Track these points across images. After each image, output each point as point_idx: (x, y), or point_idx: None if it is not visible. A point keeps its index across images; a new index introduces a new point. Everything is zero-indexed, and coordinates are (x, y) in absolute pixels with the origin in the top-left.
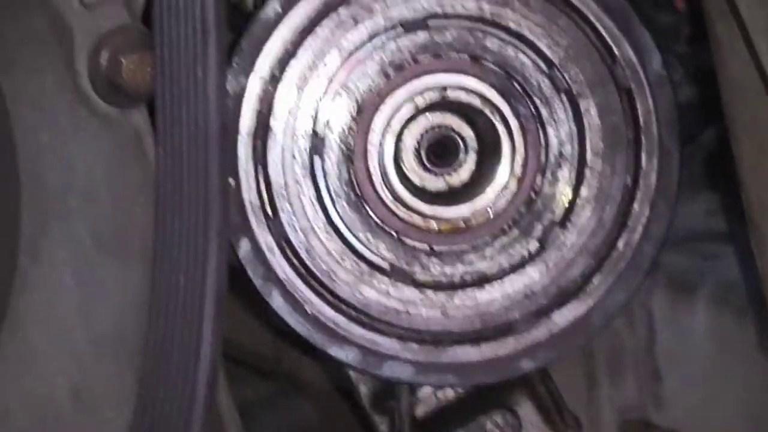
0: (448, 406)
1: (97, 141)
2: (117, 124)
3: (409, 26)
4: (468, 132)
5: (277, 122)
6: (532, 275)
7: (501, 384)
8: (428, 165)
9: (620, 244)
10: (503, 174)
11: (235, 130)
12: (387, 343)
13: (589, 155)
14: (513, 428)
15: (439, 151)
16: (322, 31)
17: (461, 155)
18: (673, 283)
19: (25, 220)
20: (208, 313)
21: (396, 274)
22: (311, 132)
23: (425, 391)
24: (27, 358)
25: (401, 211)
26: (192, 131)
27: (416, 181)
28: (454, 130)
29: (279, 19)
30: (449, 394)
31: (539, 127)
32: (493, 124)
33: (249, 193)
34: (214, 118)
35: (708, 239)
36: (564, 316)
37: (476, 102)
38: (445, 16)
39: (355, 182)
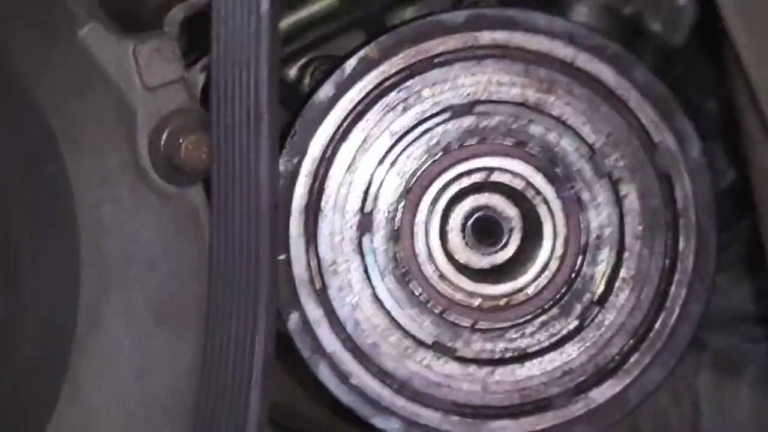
0: None
1: (156, 216)
2: (175, 200)
3: (456, 112)
4: (511, 213)
5: (327, 201)
6: (571, 353)
7: None
8: (472, 244)
9: (657, 324)
10: (544, 254)
11: (288, 208)
12: (429, 415)
13: (628, 238)
14: None
15: (484, 230)
16: (373, 115)
17: (505, 235)
18: (719, 363)
19: (86, 287)
20: (255, 381)
21: (439, 349)
22: (360, 210)
23: None
24: (85, 419)
25: (445, 289)
26: (245, 209)
27: (461, 259)
28: (498, 211)
29: (332, 103)
30: None
31: (580, 210)
32: (536, 207)
33: (299, 268)
34: (265, 198)
35: (754, 322)
36: (601, 393)
37: (520, 185)
38: (491, 102)
39: (401, 260)
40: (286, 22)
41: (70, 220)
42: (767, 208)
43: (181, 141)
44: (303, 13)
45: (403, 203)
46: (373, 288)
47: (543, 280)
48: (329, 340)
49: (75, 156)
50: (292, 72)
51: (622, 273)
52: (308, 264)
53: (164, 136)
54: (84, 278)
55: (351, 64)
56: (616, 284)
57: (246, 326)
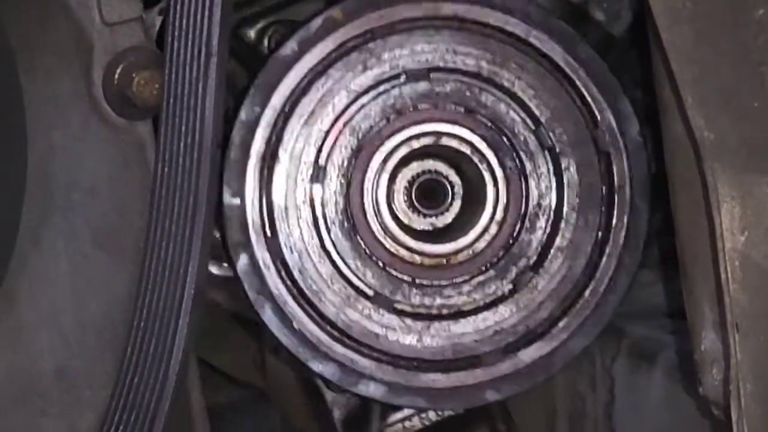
0: None
1: (104, 146)
2: (123, 132)
3: (412, 76)
4: (456, 179)
5: (284, 151)
6: (504, 313)
7: (464, 420)
8: (417, 206)
9: (587, 293)
10: (485, 219)
11: (246, 154)
12: (364, 363)
13: (565, 209)
14: None
15: (428, 194)
16: (333, 72)
17: (448, 199)
18: (636, 351)
19: (30, 208)
20: (185, 309)
21: (379, 300)
22: (314, 163)
23: (395, 418)
24: (17, 335)
25: (389, 244)
26: (188, 144)
27: (405, 219)
28: (443, 176)
29: (295, 59)
30: (415, 424)
31: (522, 179)
32: (480, 173)
33: (252, 213)
34: (209, 132)
35: (673, 316)
36: (529, 354)
37: (467, 151)
38: (446, 70)
39: (349, 213)
40: None
41: (20, 140)
42: (675, 173)
43: (134, 76)
44: None
45: (355, 160)
46: (320, 237)
47: (482, 243)
48: (275, 284)
49: (31, 78)
50: (252, 33)
51: (557, 242)
52: (261, 209)
53: (118, 71)
54: (28, 198)
55: (316, 23)
56: (551, 252)
57: (181, 257)
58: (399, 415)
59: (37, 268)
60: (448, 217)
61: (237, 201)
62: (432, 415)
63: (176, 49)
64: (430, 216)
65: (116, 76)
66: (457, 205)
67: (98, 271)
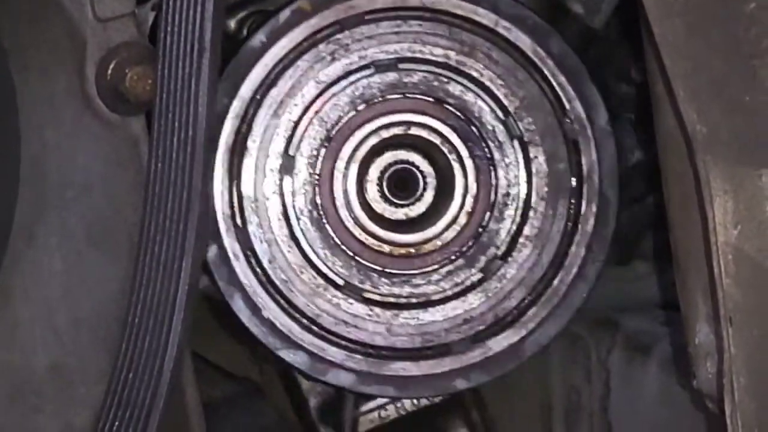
0: (388, 426)
1: (98, 143)
2: (117, 129)
3: (381, 67)
4: (428, 168)
5: (253, 142)
6: (473, 302)
7: (438, 409)
8: (389, 196)
9: (556, 281)
10: (454, 208)
11: (215, 146)
12: (334, 352)
13: (534, 198)
14: None
15: (400, 183)
16: (302, 63)
17: (419, 190)
18: (631, 343)
19: (23, 206)
20: (180, 304)
21: (348, 289)
22: (283, 153)
23: (369, 407)
24: (12, 332)
25: (359, 233)
26: (182, 139)
27: (376, 209)
28: (415, 166)
29: (264, 50)
30: (391, 414)
31: (491, 168)
32: (450, 163)
33: (222, 203)
34: (201, 128)
35: (668, 308)
36: (499, 343)
37: (436, 141)
38: (414, 60)
39: (319, 203)
40: None
41: (13, 138)
42: (667, 166)
43: (127, 71)
44: None
45: (324, 150)
46: (290, 227)
47: (451, 233)
48: (245, 274)
49: (23, 77)
50: (232, 24)
51: (526, 231)
52: (230, 200)
53: (111, 66)
54: (21, 196)
55: (285, 14)
56: (520, 241)
57: (174, 252)
58: (373, 404)
59: (31, 266)
60: (421, 207)
61: (206, 191)
62: (407, 404)
63: (169, 44)
64: (403, 206)
65: (109, 71)
66: (429, 195)
67: (92, 268)
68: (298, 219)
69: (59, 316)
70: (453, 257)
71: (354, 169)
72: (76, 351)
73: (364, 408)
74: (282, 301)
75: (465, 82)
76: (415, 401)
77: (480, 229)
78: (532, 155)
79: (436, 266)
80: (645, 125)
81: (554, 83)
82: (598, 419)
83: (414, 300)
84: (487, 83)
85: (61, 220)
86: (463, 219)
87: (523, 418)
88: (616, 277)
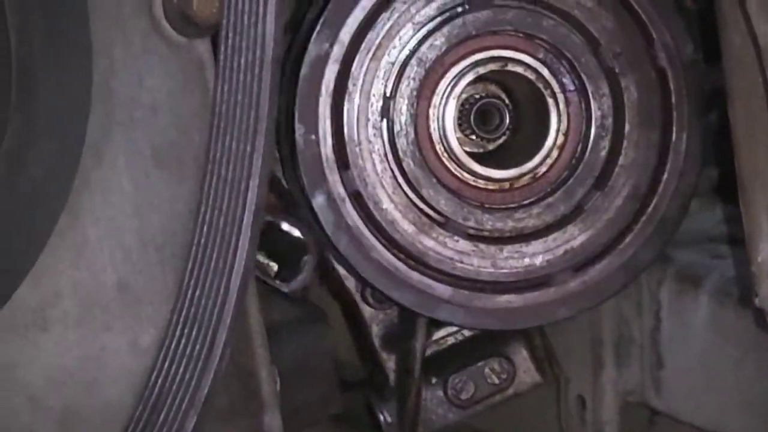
0: (450, 351)
1: (164, 64)
2: (183, 51)
3: (475, 4)
4: (520, 102)
5: (354, 85)
6: (572, 233)
7: (501, 333)
8: (484, 132)
9: (650, 208)
10: (549, 142)
11: (318, 91)
12: (441, 289)
13: (626, 128)
14: (508, 374)
15: (494, 119)
16: (398, 5)
17: (514, 124)
18: (682, 276)
19: (92, 125)
20: (246, 225)
21: (452, 227)
22: (383, 95)
23: (440, 335)
24: (81, 249)
25: (458, 171)
26: (249, 61)
27: (474, 145)
28: (507, 101)
29: None
30: (452, 339)
31: (584, 101)
32: (543, 96)
33: (325, 149)
34: (269, 48)
35: (719, 242)
36: (598, 271)
37: (531, 76)
38: None
39: (419, 143)
40: None
41: (86, 56)
42: (733, 84)
43: None
44: None
45: (422, 89)
46: (392, 168)
47: (547, 166)
48: (351, 217)
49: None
50: None
51: (621, 161)
52: (334, 144)
53: None
54: (91, 115)
55: None
56: (615, 171)
57: (242, 174)
58: (443, 332)
59: (100, 185)
60: (513, 141)
61: (312, 137)
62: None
63: None
64: (496, 140)
65: None
66: (525, 129)
67: (159, 189)
68: (400, 159)
69: (127, 236)
70: (550, 189)
71: (451, 105)
72: (144, 270)
73: (435, 336)
74: (388, 242)
75: (556, 17)
76: None
77: (575, 161)
78: (623, 85)
79: (535, 199)
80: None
81: (642, 14)
82: (648, 351)
83: (516, 233)
84: (578, 16)
85: (128, 141)
86: (557, 152)
87: (574, 351)
88: None
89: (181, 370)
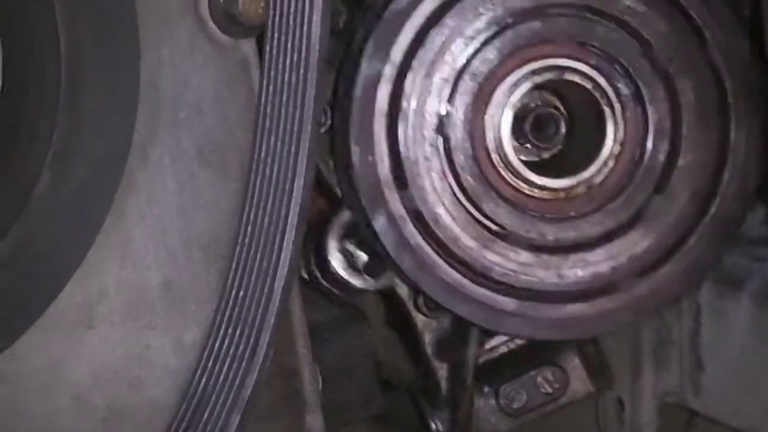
0: (502, 360)
1: (210, 64)
2: (228, 51)
3: (525, 15)
4: (576, 111)
5: (408, 104)
6: (635, 238)
7: (553, 343)
8: (540, 140)
9: (712, 209)
10: (606, 149)
11: (372, 111)
12: (506, 302)
13: (684, 130)
14: (561, 383)
15: (550, 128)
16: (449, 21)
17: (569, 133)
18: (722, 279)
19: (139, 124)
20: (291, 225)
21: (514, 239)
22: (437, 112)
23: (492, 344)
24: (126, 248)
25: (516, 183)
26: (294, 61)
27: (530, 156)
28: (563, 110)
29: (410, 10)
30: (504, 348)
31: (640, 106)
32: (599, 104)
33: (383, 169)
34: (315, 49)
35: (760, 244)
36: (662, 275)
37: (585, 83)
38: (556, 5)
39: (477, 157)
40: None
41: (134, 55)
42: None
43: None
44: None
45: (477, 102)
46: (451, 184)
47: (605, 173)
48: (413, 236)
49: None
50: None
51: (680, 163)
52: (391, 164)
53: None
54: (138, 114)
55: None
56: (674, 174)
57: (287, 173)
58: (495, 341)
59: (145, 184)
60: (570, 150)
61: (369, 158)
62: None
63: None
64: (553, 149)
65: None
66: (578, 136)
67: (204, 188)
68: (458, 175)
69: (172, 235)
70: (610, 196)
71: (507, 117)
72: (188, 269)
73: (487, 346)
74: (451, 259)
75: (608, 22)
76: None
77: (634, 167)
78: (678, 88)
79: (594, 207)
80: None
81: (693, 14)
82: (688, 354)
83: (579, 242)
84: (630, 21)
85: (174, 140)
86: (615, 159)
87: (613, 353)
88: None
89: (225, 369)
